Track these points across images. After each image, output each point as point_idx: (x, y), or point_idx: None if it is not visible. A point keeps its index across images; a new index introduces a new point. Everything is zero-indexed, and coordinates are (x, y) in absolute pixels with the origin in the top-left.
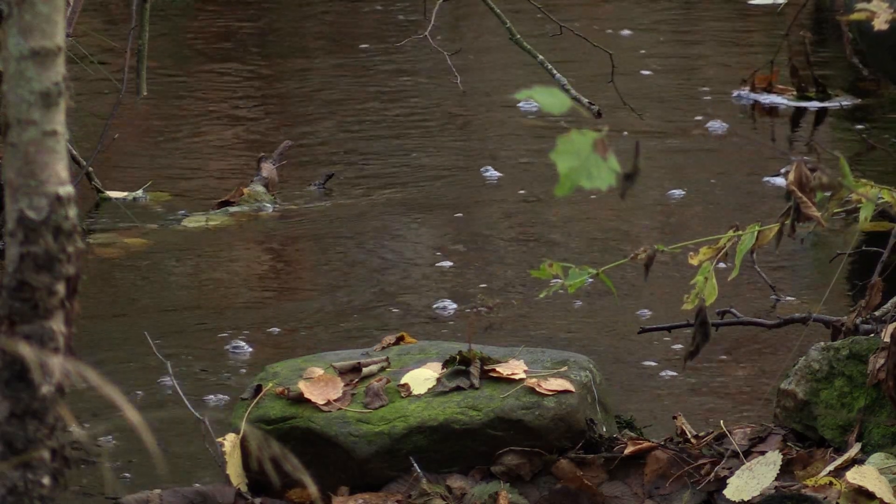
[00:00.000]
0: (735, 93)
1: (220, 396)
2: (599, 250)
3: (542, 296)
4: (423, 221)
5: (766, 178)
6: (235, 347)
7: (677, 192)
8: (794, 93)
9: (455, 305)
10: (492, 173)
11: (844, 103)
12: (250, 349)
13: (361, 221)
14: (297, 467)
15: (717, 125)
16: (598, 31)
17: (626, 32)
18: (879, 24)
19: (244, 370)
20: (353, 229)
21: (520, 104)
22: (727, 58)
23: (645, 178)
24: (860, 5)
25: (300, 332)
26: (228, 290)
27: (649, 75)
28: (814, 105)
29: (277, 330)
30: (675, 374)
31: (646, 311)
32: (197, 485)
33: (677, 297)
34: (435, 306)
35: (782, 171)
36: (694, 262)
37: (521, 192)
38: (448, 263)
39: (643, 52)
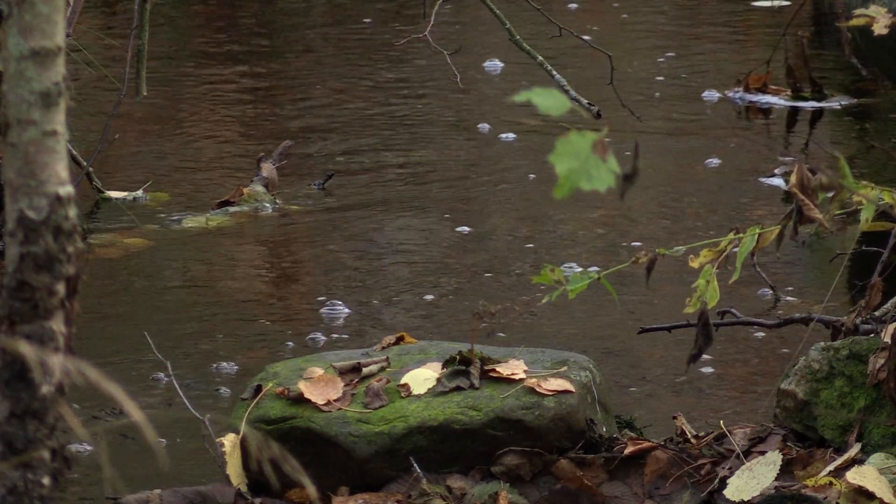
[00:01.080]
0: (729, 93)
1: (225, 389)
2: (597, 249)
3: (544, 301)
4: (424, 219)
5: (763, 179)
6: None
7: (675, 192)
8: (789, 93)
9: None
10: (495, 159)
11: (843, 103)
12: (251, 351)
13: (362, 221)
14: (296, 468)
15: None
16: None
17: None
18: (879, 29)
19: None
20: (354, 228)
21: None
22: (724, 57)
23: (644, 177)
24: (859, 10)
25: (303, 332)
26: (229, 290)
27: (647, 76)
28: (810, 105)
29: (279, 330)
30: (675, 374)
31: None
32: (198, 485)
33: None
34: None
35: (778, 171)
36: (695, 265)
37: (524, 187)
38: (456, 261)
39: (638, 47)
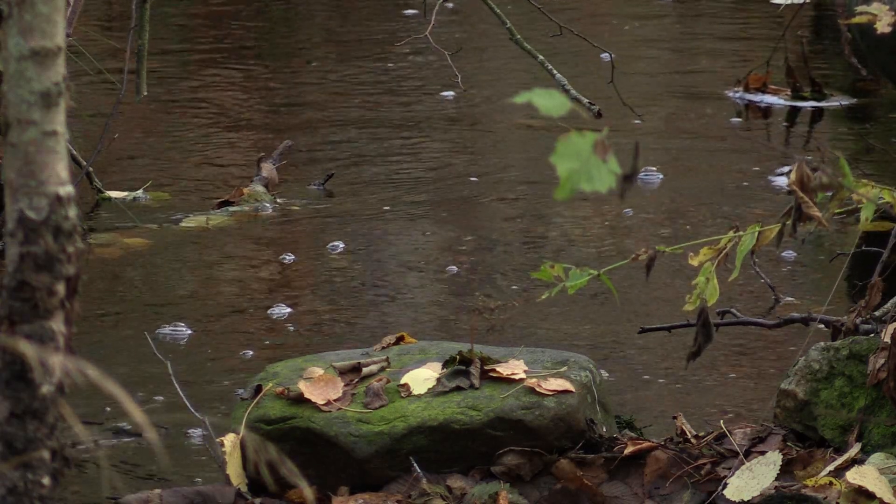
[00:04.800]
0: (729, 93)
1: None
2: (596, 248)
3: (543, 297)
4: (424, 219)
5: (770, 178)
6: (243, 352)
7: (675, 191)
8: (789, 93)
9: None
10: (492, 164)
11: (843, 103)
12: (251, 352)
13: (361, 221)
14: (293, 472)
15: None
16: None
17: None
18: (882, 27)
19: (248, 372)
20: (354, 229)
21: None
22: (724, 57)
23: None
24: (861, 8)
25: (303, 332)
26: (228, 290)
27: (643, 72)
28: (809, 105)
29: (278, 330)
30: (675, 374)
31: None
32: (197, 483)
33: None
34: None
35: (785, 170)
36: (694, 263)
37: (524, 189)
38: (453, 267)
39: (639, 47)
